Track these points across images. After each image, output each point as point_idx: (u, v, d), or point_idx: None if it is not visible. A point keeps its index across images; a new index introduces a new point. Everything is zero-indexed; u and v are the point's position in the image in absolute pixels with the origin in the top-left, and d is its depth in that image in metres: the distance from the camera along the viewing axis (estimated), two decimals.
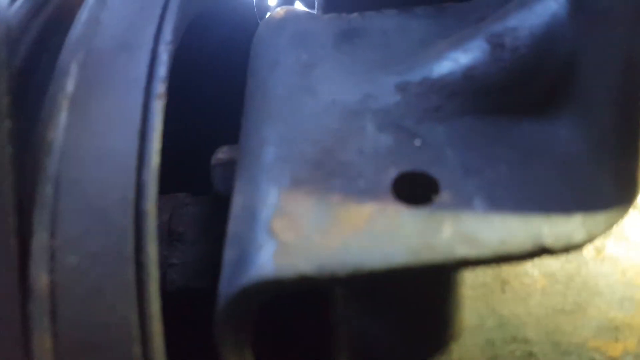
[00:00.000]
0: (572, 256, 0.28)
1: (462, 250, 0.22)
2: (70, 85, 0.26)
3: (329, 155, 0.26)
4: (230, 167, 0.37)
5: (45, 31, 0.31)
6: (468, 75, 0.26)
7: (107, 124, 0.25)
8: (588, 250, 0.29)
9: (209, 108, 0.46)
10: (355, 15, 0.33)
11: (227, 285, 0.23)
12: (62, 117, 0.25)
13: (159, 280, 0.25)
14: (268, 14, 0.37)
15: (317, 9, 0.40)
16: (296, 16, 0.34)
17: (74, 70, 0.26)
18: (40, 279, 0.23)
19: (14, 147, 0.24)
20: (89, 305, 0.23)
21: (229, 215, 0.25)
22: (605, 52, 0.23)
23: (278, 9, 0.38)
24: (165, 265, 0.42)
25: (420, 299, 0.28)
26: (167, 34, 0.27)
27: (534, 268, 0.28)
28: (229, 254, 0.24)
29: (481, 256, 0.22)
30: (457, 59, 0.27)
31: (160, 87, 0.26)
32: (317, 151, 0.26)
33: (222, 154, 0.38)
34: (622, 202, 0.22)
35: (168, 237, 0.43)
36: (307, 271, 0.22)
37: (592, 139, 0.24)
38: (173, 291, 0.41)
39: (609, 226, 0.22)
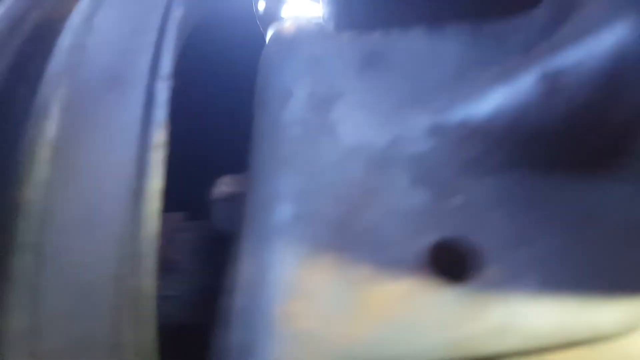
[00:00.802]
0: None
1: (511, 342, 0.19)
2: (51, 130, 0.22)
3: (354, 216, 0.22)
4: (232, 202, 0.33)
5: (22, 56, 0.27)
6: (517, 121, 0.23)
7: (96, 182, 0.21)
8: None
9: (209, 123, 0.43)
10: (378, 35, 0.29)
11: None
12: (42, 172, 0.21)
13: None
14: (275, 26, 0.33)
15: (327, 20, 0.36)
16: (310, 35, 0.30)
17: (55, 110, 0.23)
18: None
19: None
20: None
21: (235, 285, 0.22)
22: None
23: (288, 22, 0.34)
24: (160, 297, 0.39)
25: None
26: (165, 66, 0.24)
27: None
28: (234, 336, 0.21)
29: (532, 348, 0.19)
30: (504, 100, 0.23)
31: (158, 135, 0.22)
32: (340, 210, 0.23)
33: (224, 186, 0.35)
34: None
35: (162, 266, 0.41)
36: None
37: None
38: (168, 325, 0.38)
39: None
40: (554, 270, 0.20)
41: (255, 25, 0.49)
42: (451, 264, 0.21)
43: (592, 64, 0.22)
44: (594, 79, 0.22)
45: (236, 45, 0.44)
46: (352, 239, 0.22)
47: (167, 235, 0.42)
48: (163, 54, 0.24)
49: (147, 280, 0.21)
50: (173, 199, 0.42)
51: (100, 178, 0.21)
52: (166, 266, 0.41)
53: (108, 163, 0.22)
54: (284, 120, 0.26)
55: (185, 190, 0.39)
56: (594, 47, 0.22)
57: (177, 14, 0.26)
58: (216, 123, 0.44)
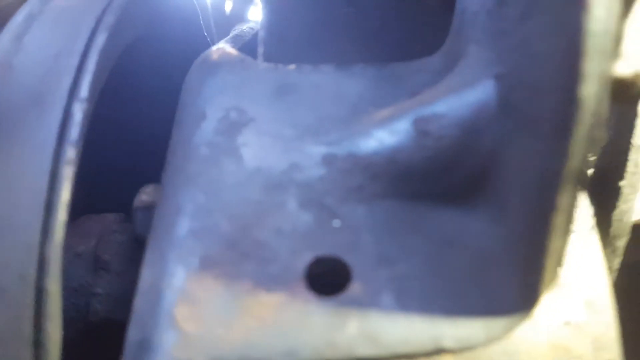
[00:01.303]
0: None
1: (364, 350, 0.23)
2: None
3: (245, 233, 0.26)
4: (151, 211, 0.36)
5: None
6: (391, 159, 0.26)
7: (10, 193, 0.24)
8: None
9: (147, 132, 0.45)
10: (292, 68, 0.33)
11: None
12: None
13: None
14: (202, 54, 0.36)
15: (261, 55, 0.39)
16: (231, 62, 0.33)
17: None
18: None
19: None
20: None
21: (137, 289, 0.25)
22: (525, 159, 0.23)
23: (213, 48, 0.37)
24: (88, 294, 0.42)
25: None
26: (84, 90, 0.26)
27: None
28: (132, 333, 0.24)
29: (381, 356, 0.23)
30: (383, 140, 0.27)
31: (70, 152, 0.25)
32: (233, 227, 0.26)
33: (145, 195, 0.37)
34: (523, 308, 0.23)
35: (93, 264, 0.43)
36: None
37: (503, 239, 0.24)
38: (96, 321, 0.40)
39: (508, 331, 0.23)
40: (408, 290, 0.24)
41: (202, 40, 0.52)
42: (324, 279, 0.25)
43: (455, 115, 0.26)
44: (456, 128, 0.26)
45: (179, 59, 0.46)
46: (239, 255, 0.25)
47: (100, 235, 0.45)
48: (83, 77, 0.27)
49: (52, 281, 0.23)
50: (113, 201, 0.44)
51: (15, 190, 0.24)
52: (97, 265, 0.43)
53: (23, 176, 0.24)
54: (195, 141, 0.29)
55: (124, 193, 0.42)
56: (459, 102, 0.26)
57: (100, 39, 0.28)
58: (154, 132, 0.46)
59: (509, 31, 0.24)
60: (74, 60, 0.27)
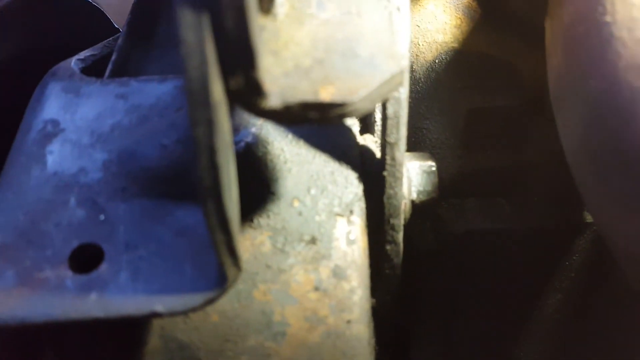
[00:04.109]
0: (242, 298, 0.39)
1: (97, 312, 0.33)
2: None
3: (33, 225, 0.36)
4: None
5: None
6: (144, 165, 0.35)
7: None
8: (257, 292, 0.39)
9: None
10: (108, 81, 0.41)
11: None
12: None
13: None
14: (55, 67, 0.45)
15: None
16: (62, 76, 0.42)
17: None
18: None
19: None
20: None
21: None
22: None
23: (68, 60, 0.46)
24: None
25: None
26: None
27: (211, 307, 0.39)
28: None
29: (107, 317, 0.33)
30: (141, 151, 0.36)
31: None
32: (26, 221, 0.36)
33: None
34: (220, 283, 0.32)
35: None
36: None
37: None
38: None
39: (209, 301, 0.33)
40: (140, 269, 0.34)
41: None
42: (83, 261, 0.35)
43: (179, 133, 0.34)
44: (180, 143, 0.34)
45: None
46: (26, 241, 0.35)
47: None
48: None
49: None
50: None
51: None
52: None
53: None
54: (18, 150, 0.39)
55: None
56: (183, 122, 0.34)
57: None
58: None
59: None
60: None
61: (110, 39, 0.53)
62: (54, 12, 0.56)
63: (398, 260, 0.46)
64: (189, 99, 0.26)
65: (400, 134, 0.40)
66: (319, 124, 0.39)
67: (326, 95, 0.30)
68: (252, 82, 0.28)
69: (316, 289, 0.40)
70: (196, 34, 0.25)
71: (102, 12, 0.65)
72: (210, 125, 0.26)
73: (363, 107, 0.31)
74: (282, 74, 0.31)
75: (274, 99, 0.29)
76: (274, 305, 0.39)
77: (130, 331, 0.39)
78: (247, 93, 0.29)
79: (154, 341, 0.40)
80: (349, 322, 0.39)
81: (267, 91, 0.29)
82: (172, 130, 0.36)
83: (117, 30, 0.69)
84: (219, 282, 0.33)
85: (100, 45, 0.52)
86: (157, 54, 0.50)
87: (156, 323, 0.40)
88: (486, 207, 0.54)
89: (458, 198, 0.54)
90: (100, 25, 0.64)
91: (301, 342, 0.39)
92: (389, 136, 0.40)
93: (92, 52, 0.49)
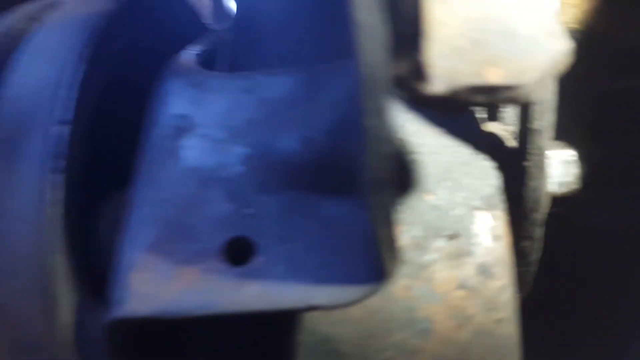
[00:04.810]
0: (383, 293, 0.38)
1: (257, 305, 0.33)
2: None
3: (180, 219, 0.36)
4: None
5: None
6: (288, 159, 0.35)
7: (17, 194, 0.36)
8: (399, 288, 0.38)
9: None
10: (232, 75, 0.42)
11: (106, 317, 0.35)
12: None
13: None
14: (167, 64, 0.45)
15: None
16: (184, 72, 0.42)
17: None
18: None
19: None
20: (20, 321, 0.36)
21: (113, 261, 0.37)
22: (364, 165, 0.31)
23: (185, 55, 0.46)
24: None
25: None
26: (68, 114, 0.38)
27: None
28: (111, 294, 0.36)
29: (268, 309, 0.33)
30: (283, 144, 0.36)
31: (59, 163, 0.37)
32: (171, 215, 0.36)
33: None
34: (379, 278, 0.32)
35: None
36: (149, 314, 0.33)
37: (364, 222, 0.33)
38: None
39: (367, 295, 0.32)
40: (297, 261, 0.34)
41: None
42: (237, 253, 0.35)
43: (330, 128, 0.34)
44: (330, 138, 0.34)
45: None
46: (175, 236, 0.35)
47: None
48: (68, 103, 0.38)
49: (57, 255, 0.35)
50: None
51: (13, 193, 0.36)
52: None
53: (19, 182, 0.36)
54: (148, 145, 0.40)
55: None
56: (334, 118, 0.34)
57: (80, 72, 0.39)
58: None
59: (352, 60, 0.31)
60: (62, 91, 0.38)
61: (212, 33, 0.54)
62: (155, 9, 0.57)
63: (534, 257, 0.44)
64: (364, 86, 0.25)
65: (548, 120, 0.38)
66: (482, 107, 0.38)
67: (493, 77, 0.29)
68: (419, 66, 0.27)
69: (461, 286, 0.38)
70: (373, 15, 0.24)
71: (193, 7, 0.66)
72: (383, 114, 0.26)
73: (534, 90, 0.30)
74: (440, 57, 0.30)
75: (437, 84, 0.29)
76: (417, 302, 0.39)
77: (272, 325, 0.39)
78: (411, 79, 0.28)
79: (297, 334, 0.39)
80: (498, 321, 0.38)
81: (431, 75, 0.28)
82: (310, 122, 0.36)
83: (205, 25, 0.70)
84: (377, 275, 0.32)
85: (204, 39, 0.52)
86: (264, 48, 0.50)
87: (299, 316, 0.39)
88: (623, 198, 0.51)
89: (590, 189, 0.52)
90: (191, 21, 0.65)
91: (448, 340, 0.38)
92: (534, 123, 0.38)
93: (200, 47, 0.50)
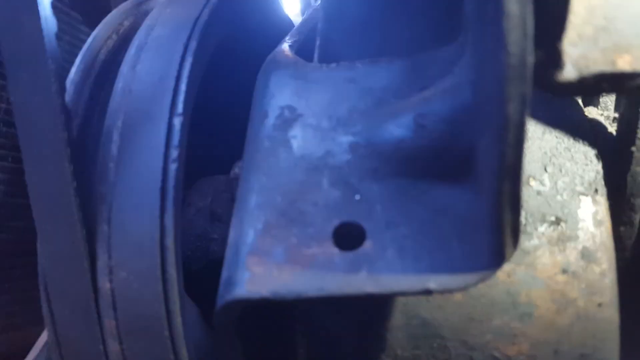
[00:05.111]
0: None
1: (370, 289, 0.34)
2: (114, 149, 0.40)
3: (292, 205, 0.38)
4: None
5: (95, 88, 0.45)
6: (398, 146, 0.36)
7: (139, 182, 0.39)
8: (501, 273, 0.39)
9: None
10: (332, 66, 0.43)
11: (220, 298, 0.37)
12: (110, 175, 0.39)
13: (181, 280, 0.40)
14: (269, 56, 0.47)
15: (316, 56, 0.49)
16: (286, 64, 0.44)
17: (116, 137, 0.40)
18: (105, 285, 0.39)
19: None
20: (134, 303, 0.39)
21: (227, 242, 0.39)
22: (488, 150, 0.32)
23: (284, 47, 0.48)
24: (207, 239, 0.58)
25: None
26: (179, 107, 0.40)
27: None
28: (223, 274, 0.38)
29: (382, 293, 0.34)
30: (392, 132, 0.37)
31: (174, 153, 0.39)
32: (284, 201, 0.38)
33: (237, 168, 0.52)
34: (494, 263, 0.33)
35: (210, 216, 0.59)
36: (266, 295, 0.35)
37: (481, 209, 0.33)
38: (214, 259, 0.57)
39: (482, 280, 0.33)
40: (407, 247, 0.35)
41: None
42: (346, 238, 0.36)
43: (445, 114, 0.34)
44: (445, 124, 0.34)
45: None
46: (288, 221, 0.37)
47: (214, 194, 0.61)
48: (178, 97, 0.40)
49: (170, 240, 0.38)
50: (220, 167, 0.59)
51: (142, 180, 0.39)
52: (213, 217, 0.60)
53: (146, 170, 0.39)
54: (260, 135, 0.41)
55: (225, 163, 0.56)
56: (449, 102, 0.34)
57: (188, 62, 0.41)
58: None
59: (479, 45, 0.32)
60: (171, 83, 0.41)
61: (300, 24, 0.55)
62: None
63: (630, 242, 0.44)
64: (508, 74, 0.26)
65: None
66: (610, 94, 0.38)
67: (624, 64, 0.29)
68: (555, 53, 0.28)
69: (564, 271, 0.39)
70: (521, 6, 0.25)
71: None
72: (524, 101, 0.26)
73: None
74: (569, 45, 0.30)
75: (569, 71, 0.29)
76: (519, 286, 0.39)
77: (372, 308, 0.41)
78: (544, 66, 0.28)
79: (396, 317, 0.41)
80: (600, 305, 0.38)
81: (564, 62, 0.29)
82: (421, 109, 0.37)
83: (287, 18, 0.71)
84: (497, 260, 0.33)
85: (295, 31, 0.54)
86: (358, 37, 0.51)
87: (398, 300, 0.41)
88: None
89: None
90: (275, 13, 0.67)
91: (549, 324, 0.39)
92: None
93: (294, 38, 0.51)
